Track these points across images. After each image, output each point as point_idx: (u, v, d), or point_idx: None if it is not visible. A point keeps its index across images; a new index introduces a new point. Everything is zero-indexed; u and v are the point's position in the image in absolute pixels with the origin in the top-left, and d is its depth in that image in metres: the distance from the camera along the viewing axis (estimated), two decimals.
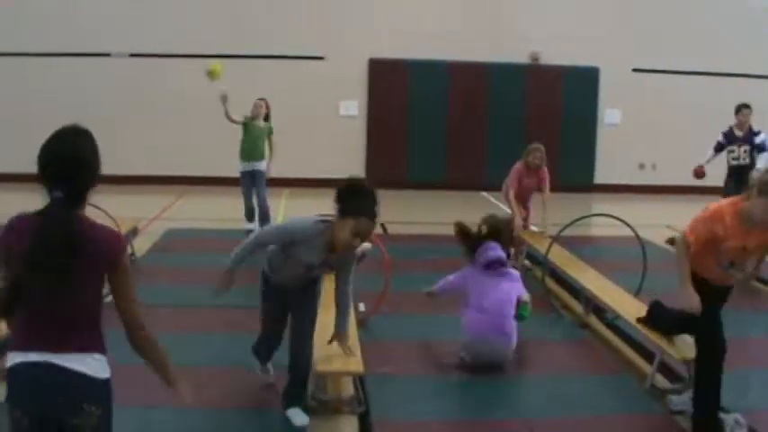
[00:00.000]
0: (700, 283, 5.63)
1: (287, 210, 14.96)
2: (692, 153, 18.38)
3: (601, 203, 16.33)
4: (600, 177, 19.27)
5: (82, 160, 3.38)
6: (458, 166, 18.56)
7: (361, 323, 7.49)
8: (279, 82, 18.26)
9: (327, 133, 18.51)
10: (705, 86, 19.01)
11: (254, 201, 12.56)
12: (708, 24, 18.96)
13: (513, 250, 10.98)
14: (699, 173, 12.31)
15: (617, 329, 7.87)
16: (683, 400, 6.01)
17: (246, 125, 12.61)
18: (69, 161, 3.33)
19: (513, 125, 18.89)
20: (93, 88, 17.70)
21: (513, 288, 6.94)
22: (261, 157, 12.65)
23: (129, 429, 5.33)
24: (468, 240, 7.11)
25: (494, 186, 18.16)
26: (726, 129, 12.32)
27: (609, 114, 19.34)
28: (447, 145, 18.87)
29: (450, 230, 7.45)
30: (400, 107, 18.70)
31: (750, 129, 12.03)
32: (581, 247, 10.78)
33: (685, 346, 6.42)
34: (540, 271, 9.55)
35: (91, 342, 3.41)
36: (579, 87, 19.09)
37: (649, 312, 6.79)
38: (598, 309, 8.29)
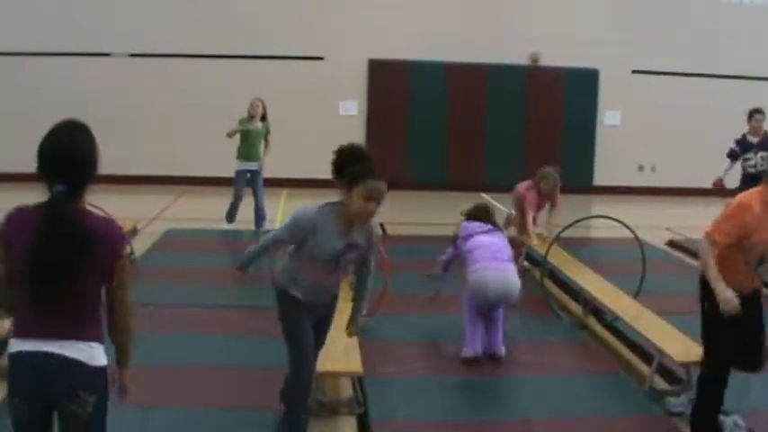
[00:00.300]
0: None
1: (285, 210, 14.94)
2: (692, 155, 18.54)
3: (600, 205, 16.33)
4: (599, 179, 19.27)
5: (82, 155, 3.42)
6: (457, 167, 18.55)
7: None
8: (278, 82, 18.25)
9: (327, 133, 18.41)
10: (705, 88, 19.00)
11: (249, 203, 12.56)
12: (707, 26, 18.95)
13: (521, 260, 11.00)
14: (718, 185, 11.82)
15: (616, 331, 7.88)
16: (681, 402, 6.02)
17: (244, 128, 12.64)
18: (69, 156, 3.38)
19: (513, 126, 18.90)
20: (92, 88, 17.69)
21: (501, 240, 7.40)
22: (259, 158, 12.66)
23: (128, 430, 5.34)
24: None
25: (493, 187, 18.23)
26: (738, 136, 11.87)
27: (608, 116, 19.32)
28: (447, 146, 18.86)
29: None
30: (400, 108, 18.69)
31: (765, 134, 11.67)
32: (580, 248, 10.78)
33: (683, 348, 6.43)
34: (539, 272, 9.56)
35: (89, 331, 3.46)
36: (579, 89, 19.08)
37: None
38: (597, 310, 8.30)
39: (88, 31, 17.63)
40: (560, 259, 9.62)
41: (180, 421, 5.54)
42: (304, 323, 5.19)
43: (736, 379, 6.55)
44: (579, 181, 18.99)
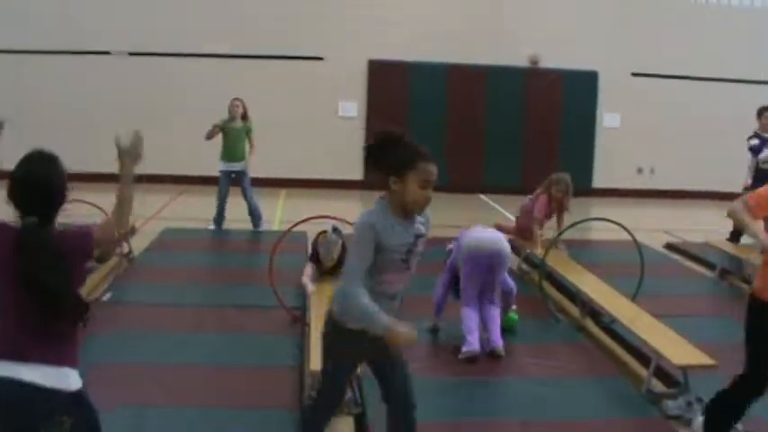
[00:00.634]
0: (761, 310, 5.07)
1: (284, 210, 14.95)
2: (691, 158, 18.57)
3: (599, 207, 16.35)
4: (598, 181, 19.28)
5: (53, 187, 3.57)
6: (457, 169, 18.50)
7: None
8: (278, 82, 18.27)
9: (326, 134, 18.51)
10: (704, 91, 19.03)
11: (240, 203, 12.55)
12: (707, 29, 18.98)
13: (519, 261, 10.99)
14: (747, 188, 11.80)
15: (613, 333, 7.88)
16: (678, 405, 6.02)
17: (224, 128, 12.62)
18: (41, 190, 3.52)
19: (513, 128, 18.91)
20: (91, 86, 17.70)
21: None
22: (241, 158, 12.63)
23: (124, 428, 5.35)
24: None
25: (492, 188, 18.25)
26: (750, 134, 11.81)
27: (608, 118, 19.33)
28: (446, 147, 18.82)
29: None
30: (399, 109, 18.67)
31: None
32: (578, 250, 10.78)
33: (681, 351, 6.43)
34: (537, 274, 9.56)
35: (64, 354, 3.49)
36: (578, 91, 19.09)
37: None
38: (595, 312, 8.30)
39: (87, 29, 17.63)
40: (558, 261, 9.62)
41: (176, 420, 5.54)
42: (352, 369, 4.79)
43: None
44: (578, 183, 18.81)
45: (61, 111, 17.47)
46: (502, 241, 7.49)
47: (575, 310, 8.71)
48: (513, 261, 10.78)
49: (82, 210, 9.49)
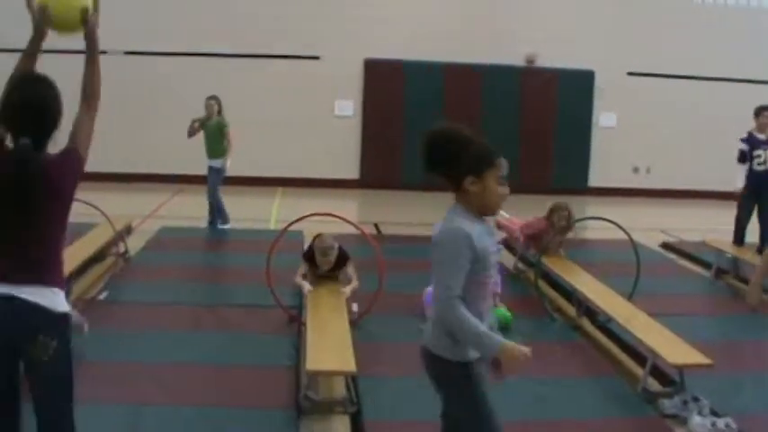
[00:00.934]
0: None
1: (281, 209, 14.95)
2: (687, 157, 18.59)
3: (595, 206, 16.35)
4: (594, 180, 19.30)
5: (47, 108, 3.53)
6: None
7: (355, 323, 7.49)
8: (274, 81, 18.27)
9: (322, 133, 18.52)
10: (700, 91, 19.05)
11: (229, 201, 12.57)
12: (703, 29, 19.00)
13: (515, 261, 10.98)
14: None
15: (609, 332, 7.89)
16: (674, 404, 6.02)
17: (204, 125, 12.63)
18: (35, 110, 3.49)
19: (509, 127, 18.89)
20: None
21: None
22: (218, 155, 12.61)
23: (120, 427, 5.35)
24: None
25: None
26: (744, 135, 11.75)
27: (603, 117, 19.35)
28: None
29: None
30: (395, 108, 18.70)
31: None
32: (574, 249, 10.78)
33: (677, 350, 6.44)
34: (532, 273, 9.56)
35: (51, 276, 3.49)
36: (574, 90, 19.10)
37: None
38: (591, 311, 8.31)
39: None
40: (554, 260, 9.63)
41: (172, 419, 5.54)
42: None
43: (728, 381, 6.57)
44: (574, 182, 19.04)
45: None
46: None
47: (571, 310, 8.72)
48: (508, 260, 10.87)
49: (79, 209, 9.52)
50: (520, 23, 18.66)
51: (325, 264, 8.18)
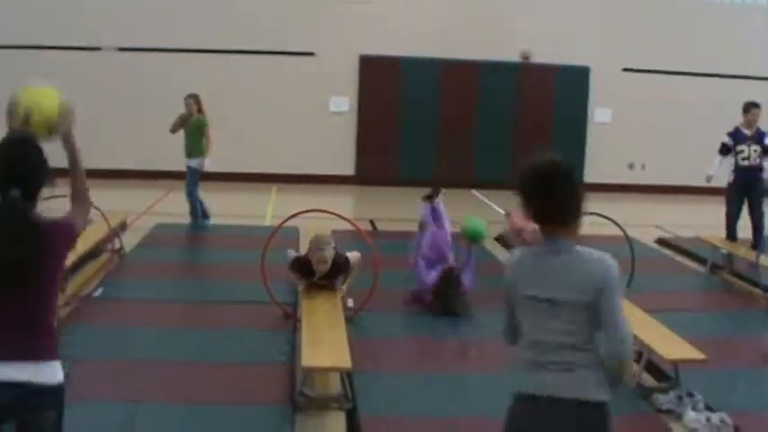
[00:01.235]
0: None
1: (276, 206, 14.94)
2: (682, 153, 18.59)
3: (590, 202, 16.32)
4: (589, 176, 19.27)
5: (35, 162, 3.57)
6: (448, 164, 18.55)
7: (350, 320, 7.49)
8: (269, 77, 18.25)
9: (317, 129, 18.51)
10: (694, 87, 19.07)
11: (210, 197, 12.53)
12: (697, 25, 19.02)
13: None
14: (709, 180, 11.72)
15: None
16: (669, 399, 6.03)
17: (184, 123, 12.58)
18: (24, 163, 3.52)
19: (504, 123, 18.93)
20: (82, 82, 17.63)
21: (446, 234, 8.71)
22: (196, 154, 12.50)
23: (115, 424, 5.34)
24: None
25: (484, 184, 18.26)
26: (731, 129, 11.83)
27: (599, 113, 19.37)
28: (437, 142, 18.88)
29: None
30: (391, 104, 18.69)
31: (759, 129, 11.44)
32: None
33: (672, 345, 6.45)
34: None
35: (47, 348, 3.48)
36: (570, 86, 19.11)
37: None
38: None
39: (78, 24, 17.58)
40: None
41: (168, 416, 5.54)
42: None
43: (723, 377, 6.58)
44: None
45: None
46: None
47: None
48: (504, 257, 10.88)
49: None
50: (516, 20, 18.65)
51: (320, 263, 7.73)
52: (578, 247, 3.48)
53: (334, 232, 10.33)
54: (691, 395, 5.99)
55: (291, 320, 7.69)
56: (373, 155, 18.68)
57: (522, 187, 3.55)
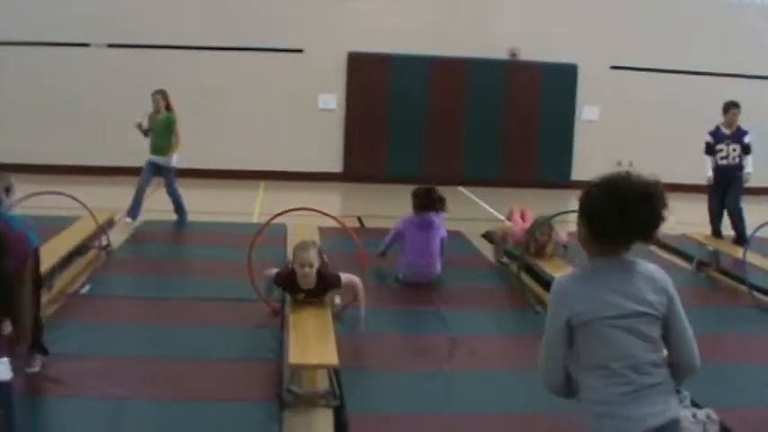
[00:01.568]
0: None
1: (264, 203, 14.93)
2: (669, 151, 18.64)
3: (577, 200, 16.40)
4: (577, 174, 19.33)
5: None
6: (436, 161, 18.57)
7: (337, 317, 7.49)
8: (257, 74, 18.24)
9: (306, 126, 18.50)
10: (682, 85, 19.13)
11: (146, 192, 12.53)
12: (685, 23, 19.07)
13: (493, 248, 11.03)
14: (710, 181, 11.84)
15: None
16: None
17: (151, 121, 12.50)
18: None
19: (492, 121, 18.96)
20: (71, 78, 17.60)
21: (436, 234, 9.29)
22: (167, 151, 12.44)
23: (102, 421, 5.34)
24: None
25: (472, 181, 18.28)
26: (712, 128, 11.97)
27: (587, 111, 19.41)
28: (425, 140, 18.89)
29: None
30: (379, 101, 18.69)
31: (739, 128, 11.70)
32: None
33: None
34: (515, 266, 9.59)
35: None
36: (558, 84, 19.15)
37: None
38: None
39: (65, 20, 17.52)
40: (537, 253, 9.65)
41: (156, 413, 5.53)
42: None
43: (710, 373, 6.60)
44: (557, 175, 19.10)
45: (39, 102, 17.37)
46: (431, 272, 9.28)
47: None
48: (491, 254, 10.93)
49: (61, 202, 9.48)
50: (504, 17, 18.68)
51: (305, 266, 7.18)
52: (635, 260, 3.38)
53: (320, 229, 10.36)
54: (678, 391, 6.01)
55: (279, 317, 7.69)
56: (361, 152, 18.68)
57: (617, 205, 3.30)
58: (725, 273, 10.46)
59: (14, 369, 4.04)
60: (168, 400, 5.74)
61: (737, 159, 11.61)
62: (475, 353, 7.08)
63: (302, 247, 7.33)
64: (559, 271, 8.98)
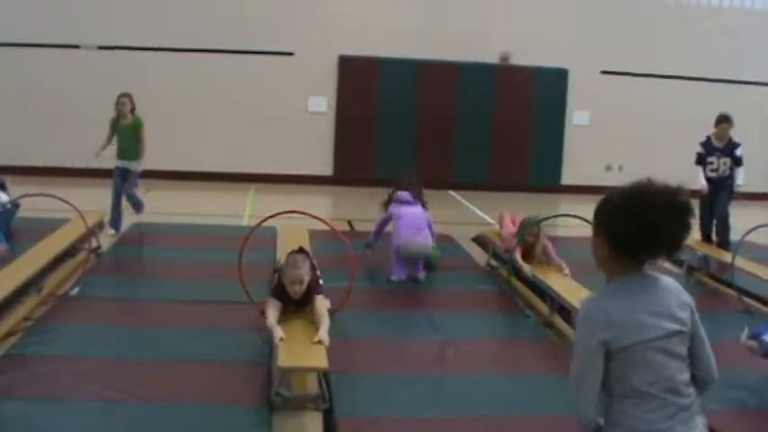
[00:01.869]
0: None
1: (253, 206, 14.91)
2: (659, 156, 18.68)
3: (567, 204, 16.41)
4: (567, 178, 19.38)
5: None
6: (426, 165, 18.56)
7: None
8: (248, 77, 18.22)
9: (296, 129, 18.48)
10: (672, 89, 19.19)
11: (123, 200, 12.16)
12: (676, 28, 19.13)
13: (488, 258, 11.00)
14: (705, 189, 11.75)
15: None
16: None
17: (115, 126, 12.26)
18: None
19: (483, 125, 18.98)
20: (61, 80, 17.55)
21: (420, 210, 9.76)
22: (133, 156, 12.09)
23: (91, 423, 5.32)
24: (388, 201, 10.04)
25: (462, 185, 18.30)
26: (703, 139, 12.00)
27: (577, 116, 19.44)
28: (416, 143, 18.90)
29: None
30: (370, 104, 18.69)
31: (731, 141, 11.69)
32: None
33: None
34: (505, 270, 9.60)
35: None
36: (548, 88, 19.18)
37: None
38: (563, 308, 8.34)
39: (55, 22, 17.48)
40: (528, 258, 9.66)
41: (144, 416, 5.52)
42: None
43: None
44: (547, 179, 19.13)
45: (29, 104, 17.32)
46: (427, 248, 9.51)
47: (543, 306, 8.75)
48: (481, 258, 10.93)
49: (51, 204, 9.45)
50: (494, 21, 18.71)
51: (295, 284, 7.02)
52: (656, 274, 3.24)
53: (310, 232, 10.35)
54: None
55: None
56: (352, 155, 18.68)
57: (645, 220, 3.09)
58: (714, 277, 10.49)
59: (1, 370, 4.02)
60: (157, 402, 5.73)
61: (728, 172, 11.66)
62: (464, 356, 7.08)
63: (293, 263, 7.09)
64: (549, 275, 9.01)
